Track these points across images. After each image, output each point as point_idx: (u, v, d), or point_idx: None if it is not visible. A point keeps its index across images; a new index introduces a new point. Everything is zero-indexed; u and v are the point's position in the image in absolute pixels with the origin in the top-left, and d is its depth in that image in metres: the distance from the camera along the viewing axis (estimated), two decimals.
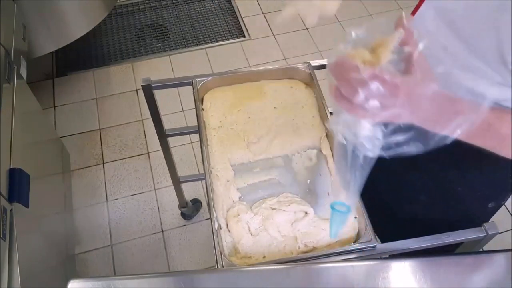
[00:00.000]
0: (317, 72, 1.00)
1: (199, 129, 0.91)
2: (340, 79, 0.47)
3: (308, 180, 0.84)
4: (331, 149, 0.88)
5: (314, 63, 1.01)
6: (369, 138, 0.50)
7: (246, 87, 0.99)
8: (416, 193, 0.83)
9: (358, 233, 0.77)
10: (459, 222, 0.81)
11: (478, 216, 0.81)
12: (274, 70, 1.01)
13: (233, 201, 0.81)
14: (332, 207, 0.63)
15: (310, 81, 0.99)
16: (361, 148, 0.51)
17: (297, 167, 0.86)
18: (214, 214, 0.77)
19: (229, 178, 0.84)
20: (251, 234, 0.76)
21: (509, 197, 0.83)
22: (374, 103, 0.46)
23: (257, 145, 0.89)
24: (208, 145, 0.88)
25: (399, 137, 0.49)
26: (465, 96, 0.49)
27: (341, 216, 0.63)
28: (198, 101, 0.96)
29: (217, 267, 0.70)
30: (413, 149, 0.49)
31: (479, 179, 0.76)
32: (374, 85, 0.44)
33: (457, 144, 0.51)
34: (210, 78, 0.98)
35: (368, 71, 0.44)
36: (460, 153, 0.68)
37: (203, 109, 0.95)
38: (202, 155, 0.86)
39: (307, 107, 0.95)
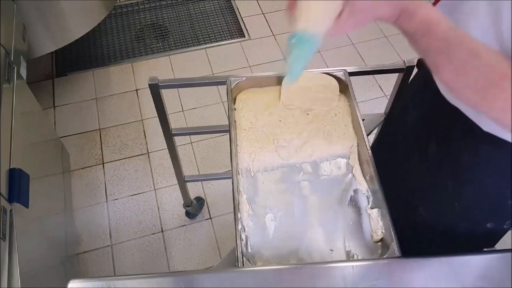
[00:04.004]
0: (352, 78, 0.99)
1: (229, 129, 0.90)
2: None
3: (334, 188, 0.83)
4: (359, 159, 0.87)
5: (350, 69, 1.00)
6: None
7: (280, 90, 0.98)
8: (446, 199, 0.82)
9: (382, 239, 0.76)
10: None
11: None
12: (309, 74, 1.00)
13: (258, 204, 0.80)
14: (296, 37, 0.53)
15: (345, 88, 0.97)
16: None
17: (325, 174, 0.86)
18: (238, 216, 0.76)
19: (255, 180, 0.83)
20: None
21: None
22: None
23: (286, 149, 0.88)
24: (237, 145, 0.88)
25: None
26: None
27: (306, 47, 0.52)
28: (231, 100, 0.95)
29: (238, 266, 0.70)
30: None
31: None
32: None
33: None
34: (244, 78, 0.98)
35: None
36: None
37: (235, 109, 0.95)
38: (231, 155, 0.86)
39: (340, 115, 0.94)
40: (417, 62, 0.88)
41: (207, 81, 1.06)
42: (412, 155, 0.81)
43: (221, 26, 2.39)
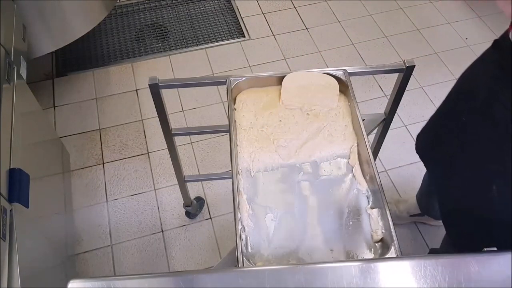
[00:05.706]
0: (352, 78, 0.98)
1: (229, 129, 0.90)
2: None
3: (334, 188, 0.83)
4: (359, 159, 0.87)
5: (350, 69, 1.00)
6: None
7: (280, 90, 0.98)
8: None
9: (382, 239, 0.76)
10: None
11: None
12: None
13: (258, 204, 0.80)
14: None
15: (345, 88, 0.97)
16: None
17: (325, 174, 0.86)
18: (238, 216, 0.76)
19: (255, 180, 0.83)
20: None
21: None
22: None
23: (286, 149, 0.88)
24: (237, 145, 0.88)
25: None
26: None
27: None
28: (231, 100, 0.96)
29: (238, 266, 0.70)
30: None
31: None
32: None
33: None
34: (244, 78, 0.98)
35: None
36: None
37: (235, 109, 0.95)
38: (231, 155, 0.86)
39: (340, 115, 0.94)
40: (494, 43, 0.88)
41: (207, 81, 1.06)
42: (487, 129, 0.81)
43: (221, 26, 2.39)
